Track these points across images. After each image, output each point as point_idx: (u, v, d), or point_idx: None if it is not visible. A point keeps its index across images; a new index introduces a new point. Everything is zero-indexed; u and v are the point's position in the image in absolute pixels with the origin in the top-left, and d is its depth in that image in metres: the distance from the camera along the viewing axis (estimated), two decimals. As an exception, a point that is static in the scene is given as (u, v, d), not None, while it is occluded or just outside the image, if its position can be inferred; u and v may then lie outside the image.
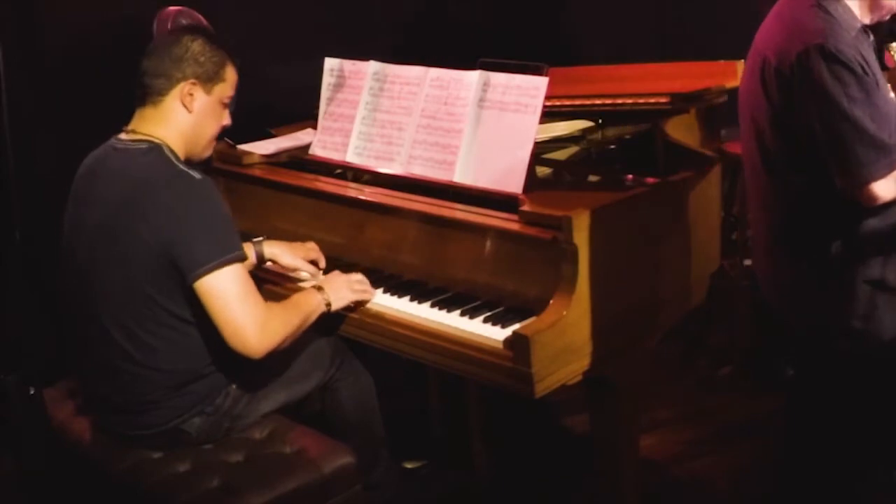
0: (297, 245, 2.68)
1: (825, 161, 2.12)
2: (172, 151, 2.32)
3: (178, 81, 2.34)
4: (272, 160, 3.02)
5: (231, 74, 2.43)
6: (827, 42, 2.05)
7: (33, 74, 3.20)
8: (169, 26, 3.10)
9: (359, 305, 2.48)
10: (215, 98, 2.40)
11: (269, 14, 3.68)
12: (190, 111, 2.36)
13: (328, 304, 2.41)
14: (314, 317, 2.39)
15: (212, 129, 2.43)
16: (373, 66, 2.81)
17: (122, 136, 2.37)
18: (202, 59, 2.36)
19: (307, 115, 3.15)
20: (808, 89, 2.07)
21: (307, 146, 2.99)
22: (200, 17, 3.27)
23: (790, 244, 2.27)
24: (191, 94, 2.35)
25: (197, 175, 2.26)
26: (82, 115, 3.30)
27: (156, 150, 2.30)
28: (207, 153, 2.46)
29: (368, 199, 2.68)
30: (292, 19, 3.73)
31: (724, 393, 3.61)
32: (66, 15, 3.25)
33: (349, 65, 2.88)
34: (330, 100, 2.90)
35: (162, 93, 2.35)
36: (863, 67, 2.08)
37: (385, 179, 2.71)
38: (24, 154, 2.82)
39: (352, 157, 2.79)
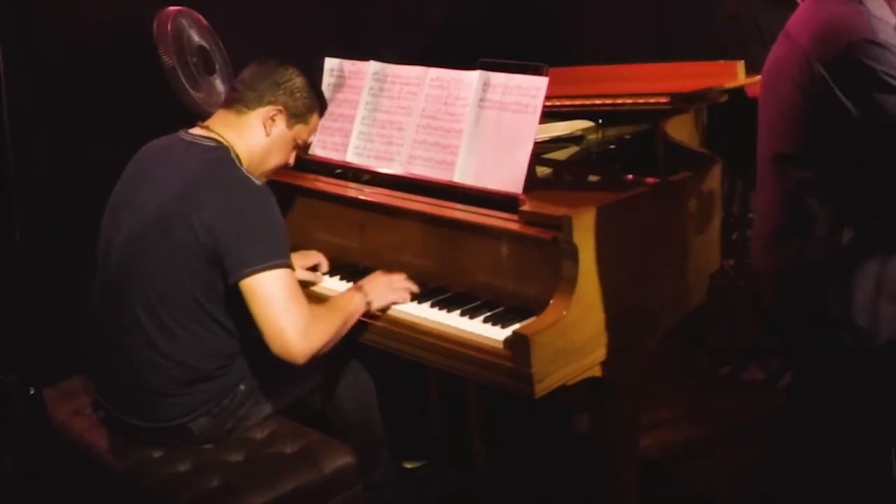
0: (296, 254, 2.67)
1: (881, 152, 2.11)
2: (237, 157, 2.36)
3: (268, 104, 2.42)
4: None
5: (314, 122, 2.53)
6: (876, 35, 2.08)
7: (33, 74, 3.19)
8: (169, 27, 3.11)
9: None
10: (292, 134, 2.47)
11: (268, 14, 3.68)
12: (267, 134, 2.42)
13: (368, 304, 2.42)
14: (355, 317, 2.39)
15: (276, 160, 2.49)
16: (373, 66, 2.81)
17: (194, 130, 2.41)
18: (298, 94, 2.44)
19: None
20: (864, 80, 2.07)
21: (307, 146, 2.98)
22: (200, 17, 3.27)
23: (794, 238, 2.25)
24: (273, 119, 2.42)
25: (258, 182, 2.30)
26: (82, 115, 3.31)
27: (223, 150, 2.35)
28: (261, 182, 2.44)
29: (368, 199, 2.68)
30: (292, 19, 3.73)
31: (724, 393, 3.61)
32: (66, 15, 3.25)
33: (349, 65, 2.88)
34: (330, 100, 2.89)
35: (249, 106, 2.42)
36: None
37: (385, 179, 2.70)
38: (24, 154, 2.83)
39: (352, 157, 2.79)
